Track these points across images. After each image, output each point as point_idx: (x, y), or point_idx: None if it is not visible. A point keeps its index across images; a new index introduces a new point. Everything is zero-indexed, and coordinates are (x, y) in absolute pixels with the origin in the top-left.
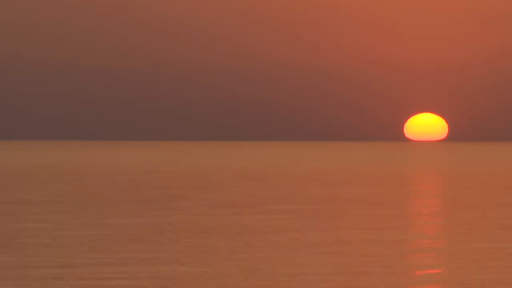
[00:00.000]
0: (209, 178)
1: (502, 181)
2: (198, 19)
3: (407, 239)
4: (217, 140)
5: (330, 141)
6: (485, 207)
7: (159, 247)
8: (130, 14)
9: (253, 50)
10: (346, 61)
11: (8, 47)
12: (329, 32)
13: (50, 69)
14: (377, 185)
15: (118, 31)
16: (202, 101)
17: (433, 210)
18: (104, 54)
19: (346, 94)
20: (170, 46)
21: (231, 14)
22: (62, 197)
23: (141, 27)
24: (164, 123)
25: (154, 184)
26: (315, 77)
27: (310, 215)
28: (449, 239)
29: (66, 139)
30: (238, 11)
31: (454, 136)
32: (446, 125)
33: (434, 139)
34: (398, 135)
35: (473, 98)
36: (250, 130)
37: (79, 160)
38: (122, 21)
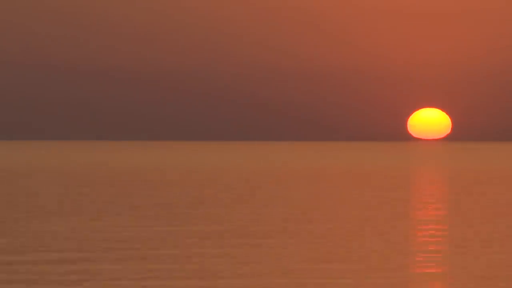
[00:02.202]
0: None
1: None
2: (197, 20)
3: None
4: (216, 140)
5: (331, 142)
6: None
7: None
8: (127, 14)
9: (256, 51)
10: (347, 60)
11: (8, 47)
12: (329, 32)
13: (53, 69)
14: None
15: (121, 31)
16: (202, 101)
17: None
18: (106, 54)
19: (347, 93)
20: (169, 47)
21: (230, 15)
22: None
23: (141, 27)
24: (163, 123)
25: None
26: (316, 76)
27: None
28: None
29: (72, 139)
30: (237, 12)
31: (457, 132)
32: (450, 120)
33: (438, 137)
34: (401, 132)
35: (477, 93)
36: (251, 130)
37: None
38: (123, 21)
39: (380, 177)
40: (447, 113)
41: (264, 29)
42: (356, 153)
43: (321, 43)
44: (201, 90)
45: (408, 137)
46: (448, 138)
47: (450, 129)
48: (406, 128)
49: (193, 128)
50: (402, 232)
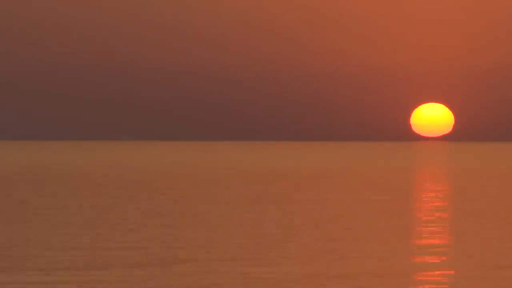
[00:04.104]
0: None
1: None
2: (197, 20)
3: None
4: (220, 140)
5: (333, 142)
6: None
7: None
8: (124, 11)
9: (257, 51)
10: (345, 59)
11: (9, 47)
12: (331, 33)
13: (59, 69)
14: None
15: (122, 30)
16: (204, 102)
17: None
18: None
19: (348, 92)
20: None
21: (228, 15)
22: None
23: (143, 26)
24: (165, 123)
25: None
26: (318, 77)
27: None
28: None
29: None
30: (236, 12)
31: (461, 128)
32: (452, 116)
33: (441, 134)
34: (404, 130)
35: (479, 88)
36: (254, 130)
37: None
38: (124, 21)
39: (390, 180)
40: (449, 108)
41: (264, 28)
42: (365, 155)
43: (319, 43)
44: (201, 90)
45: (411, 135)
46: (452, 134)
47: (453, 124)
48: (409, 125)
49: (191, 128)
50: (406, 238)
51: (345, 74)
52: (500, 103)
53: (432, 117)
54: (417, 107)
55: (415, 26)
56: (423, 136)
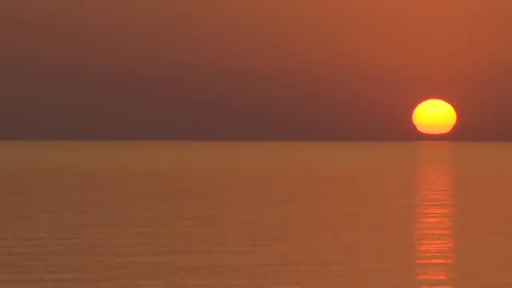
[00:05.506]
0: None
1: None
2: (198, 18)
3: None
4: (224, 140)
5: (333, 142)
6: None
7: None
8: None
9: (260, 52)
10: (344, 60)
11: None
12: (330, 31)
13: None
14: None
15: (123, 31)
16: (206, 101)
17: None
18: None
19: (349, 92)
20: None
21: (227, 15)
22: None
23: (143, 26)
24: (166, 123)
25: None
26: (317, 76)
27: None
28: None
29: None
30: (237, 12)
31: (462, 124)
32: (454, 112)
33: (443, 131)
34: (407, 128)
35: (478, 81)
36: (257, 131)
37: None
38: (125, 21)
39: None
40: (452, 105)
41: (268, 30)
42: (367, 155)
43: (318, 42)
44: (199, 90)
45: (414, 133)
46: (453, 133)
47: (455, 119)
48: (412, 123)
49: (189, 128)
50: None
51: (345, 73)
52: (503, 100)
53: (434, 115)
54: (417, 104)
55: (415, 24)
56: (426, 134)
